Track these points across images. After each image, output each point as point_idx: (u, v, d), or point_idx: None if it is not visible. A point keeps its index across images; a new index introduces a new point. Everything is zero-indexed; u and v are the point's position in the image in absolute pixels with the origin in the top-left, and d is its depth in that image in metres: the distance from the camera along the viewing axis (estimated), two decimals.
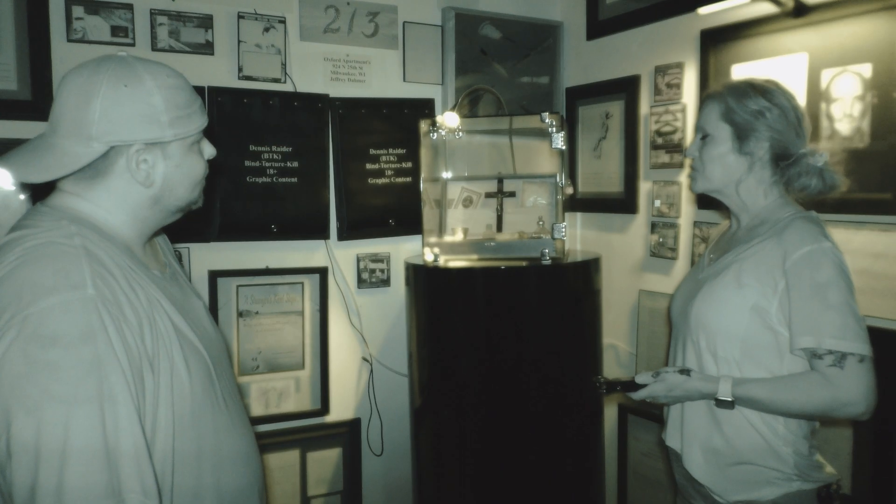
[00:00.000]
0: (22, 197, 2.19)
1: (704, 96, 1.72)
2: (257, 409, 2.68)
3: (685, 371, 1.58)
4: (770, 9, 2.23)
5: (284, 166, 2.64)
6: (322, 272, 2.75)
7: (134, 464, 1.05)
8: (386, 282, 2.92)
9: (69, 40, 2.27)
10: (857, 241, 2.01)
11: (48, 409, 1.00)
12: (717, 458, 1.62)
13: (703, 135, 1.68)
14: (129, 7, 2.34)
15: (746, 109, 1.59)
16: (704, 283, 1.67)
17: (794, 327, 1.48)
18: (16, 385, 1.00)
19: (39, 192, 1.30)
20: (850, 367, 1.43)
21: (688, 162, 1.76)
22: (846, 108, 2.04)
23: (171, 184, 1.26)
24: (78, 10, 2.27)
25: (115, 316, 1.09)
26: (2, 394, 1.01)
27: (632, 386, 1.65)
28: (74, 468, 1.00)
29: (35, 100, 2.20)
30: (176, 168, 1.25)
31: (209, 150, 1.35)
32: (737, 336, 1.57)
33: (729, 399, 1.52)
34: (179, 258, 2.48)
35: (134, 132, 1.17)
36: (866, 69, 1.98)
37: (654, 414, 2.68)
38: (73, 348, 1.03)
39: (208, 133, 1.35)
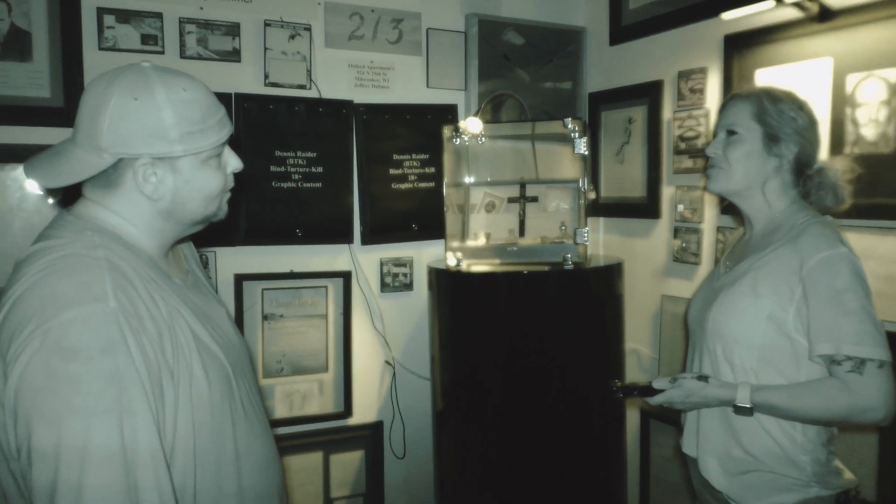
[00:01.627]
0: (50, 202, 2.24)
1: (732, 96, 1.71)
2: (281, 411, 2.71)
3: (703, 377, 1.57)
4: (794, 13, 2.22)
5: (309, 171, 2.67)
6: (346, 276, 2.78)
7: (151, 471, 1.07)
8: (409, 286, 2.94)
9: (100, 48, 2.32)
10: (882, 246, 1.99)
11: (68, 421, 1.02)
12: (733, 466, 1.62)
13: (728, 132, 1.66)
14: (159, 16, 2.39)
15: (781, 113, 1.60)
16: (721, 291, 1.66)
17: (813, 334, 1.47)
18: (37, 397, 1.02)
19: (68, 199, 1.32)
20: (869, 372, 1.42)
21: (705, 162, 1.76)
22: (872, 113, 2.03)
23: (181, 199, 1.24)
24: (109, 19, 2.32)
25: (135, 328, 1.10)
26: (23, 405, 1.03)
27: (649, 391, 1.63)
28: (93, 473, 1.02)
29: (67, 107, 2.25)
30: (186, 183, 1.23)
31: (234, 164, 1.33)
32: (754, 345, 1.56)
33: (748, 406, 1.51)
34: (206, 263, 2.52)
35: (140, 146, 1.17)
36: (892, 74, 1.97)
37: (676, 419, 2.67)
38: (94, 361, 1.04)
39: (234, 141, 1.33)
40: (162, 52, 2.40)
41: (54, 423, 1.01)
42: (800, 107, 1.61)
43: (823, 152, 1.82)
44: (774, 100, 1.62)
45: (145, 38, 2.38)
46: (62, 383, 1.02)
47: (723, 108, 1.71)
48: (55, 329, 1.04)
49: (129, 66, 1.22)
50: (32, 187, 2.22)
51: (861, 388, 1.42)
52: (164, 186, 1.22)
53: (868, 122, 2.04)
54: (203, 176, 1.25)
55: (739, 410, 1.53)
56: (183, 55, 2.44)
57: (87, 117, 1.17)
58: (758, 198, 1.66)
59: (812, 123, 1.61)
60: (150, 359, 1.11)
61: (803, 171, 1.62)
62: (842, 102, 2.10)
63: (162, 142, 1.18)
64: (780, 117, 1.60)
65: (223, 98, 1.31)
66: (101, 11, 2.31)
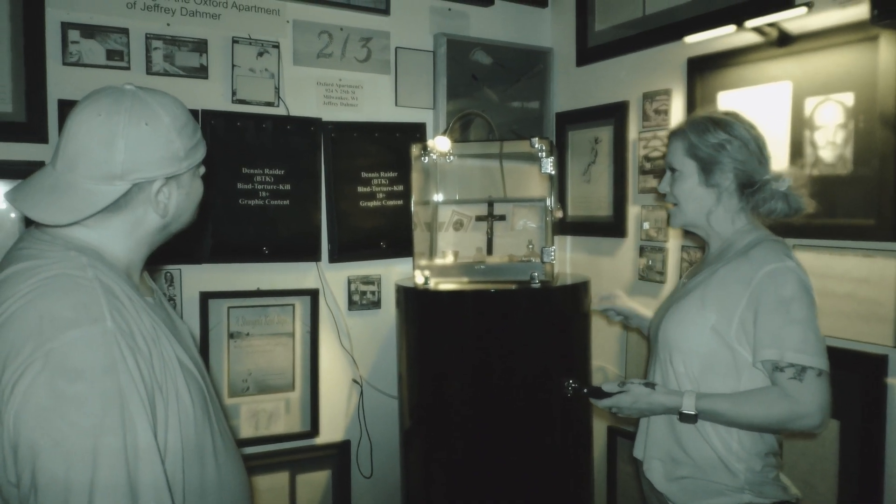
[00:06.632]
0: (13, 216, 2.20)
1: (669, 133, 1.78)
2: (247, 431, 2.67)
3: (650, 384, 1.64)
4: (755, 38, 2.27)
5: (277, 189, 2.66)
6: (313, 294, 2.76)
7: (152, 492, 1.08)
8: (377, 304, 2.93)
9: (65, 63, 2.29)
10: (840, 266, 2.04)
11: (77, 441, 1.02)
12: (674, 468, 1.69)
13: (671, 170, 1.74)
14: (125, 31, 2.37)
15: (708, 143, 1.65)
16: (675, 303, 1.74)
17: (758, 340, 1.54)
18: (42, 418, 1.02)
19: None
20: (808, 380, 1.49)
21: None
22: (829, 135, 2.08)
23: (180, 210, 1.30)
24: (74, 34, 2.29)
25: (131, 347, 1.11)
26: (28, 426, 1.02)
27: (599, 393, 1.71)
28: (102, 498, 1.02)
29: (30, 122, 2.22)
30: (186, 196, 1.30)
31: (203, 168, 1.37)
32: (697, 353, 1.63)
33: (692, 413, 1.57)
34: (171, 281, 2.49)
35: (157, 169, 1.20)
36: (848, 98, 2.03)
37: None
38: (98, 381, 1.05)
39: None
40: (128, 68, 2.38)
41: (62, 443, 1.02)
42: (728, 131, 1.64)
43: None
44: (700, 132, 1.67)
45: (111, 54, 2.36)
46: (68, 404, 1.03)
47: (668, 145, 1.78)
48: (57, 350, 1.05)
49: (119, 93, 1.21)
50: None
51: (800, 396, 1.49)
52: (171, 202, 1.27)
53: (826, 145, 2.09)
54: (196, 186, 1.33)
55: (684, 418, 1.59)
56: (149, 71, 2.42)
57: (94, 149, 1.16)
58: (705, 227, 1.74)
59: (746, 143, 1.64)
60: (144, 377, 1.12)
61: (745, 191, 1.67)
62: (801, 125, 2.15)
63: (174, 162, 1.23)
64: (708, 148, 1.65)
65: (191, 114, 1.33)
66: (66, 26, 2.28)
